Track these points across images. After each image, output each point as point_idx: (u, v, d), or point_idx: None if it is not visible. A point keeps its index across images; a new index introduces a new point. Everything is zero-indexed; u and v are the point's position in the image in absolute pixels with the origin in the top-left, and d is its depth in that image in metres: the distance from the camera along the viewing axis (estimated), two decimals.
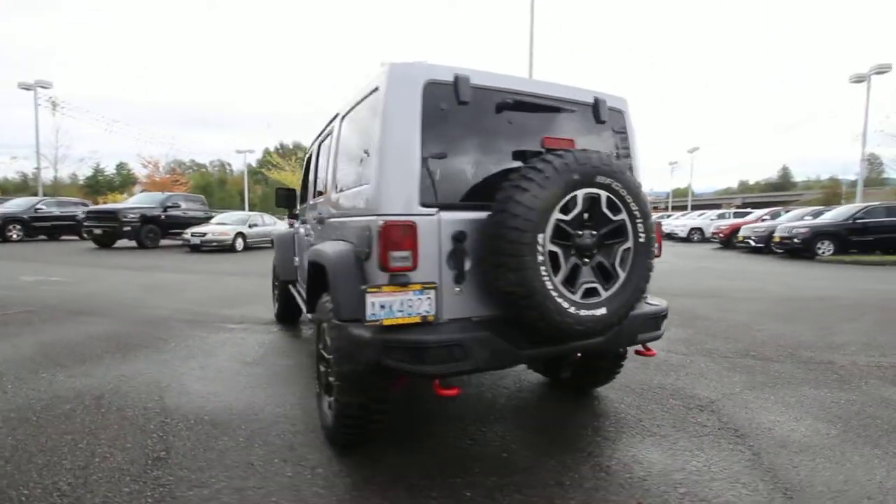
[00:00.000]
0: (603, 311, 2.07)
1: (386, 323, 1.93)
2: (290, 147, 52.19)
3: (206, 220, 16.83)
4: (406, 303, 1.96)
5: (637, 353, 2.57)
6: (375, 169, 2.09)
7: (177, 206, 16.74)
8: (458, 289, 2.08)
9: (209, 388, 3.21)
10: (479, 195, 2.15)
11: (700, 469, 2.23)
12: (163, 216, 15.87)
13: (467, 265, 2.09)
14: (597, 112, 2.52)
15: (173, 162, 43.64)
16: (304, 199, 4.44)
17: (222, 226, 15.76)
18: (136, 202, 16.75)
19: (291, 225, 4.50)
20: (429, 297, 1.99)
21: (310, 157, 4.27)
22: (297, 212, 4.41)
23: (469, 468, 2.22)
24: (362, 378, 2.16)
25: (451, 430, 2.64)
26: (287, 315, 5.16)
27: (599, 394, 3.17)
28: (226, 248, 15.03)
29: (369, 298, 1.91)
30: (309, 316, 3.13)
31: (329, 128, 3.26)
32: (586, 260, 2.08)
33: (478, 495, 1.98)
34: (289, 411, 2.87)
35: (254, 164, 52.25)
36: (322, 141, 3.50)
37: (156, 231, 15.67)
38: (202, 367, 3.68)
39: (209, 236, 14.79)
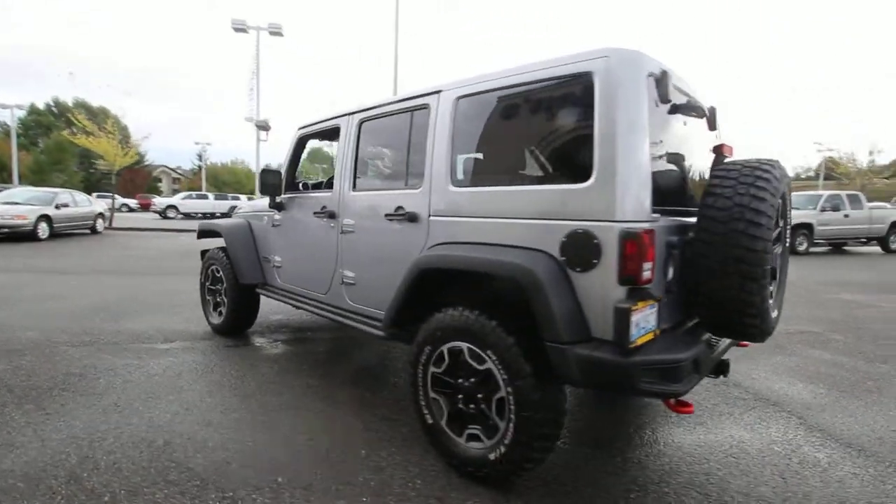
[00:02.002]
0: (776, 311, 2.17)
1: (639, 342, 1.70)
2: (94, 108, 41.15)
3: None
4: (646, 318, 1.75)
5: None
6: (602, 167, 1.78)
7: None
8: (665, 299, 1.94)
9: (251, 453, 2.37)
10: (678, 199, 2.02)
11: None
12: None
13: (671, 273, 1.97)
14: (711, 120, 2.59)
15: None
16: (290, 186, 3.57)
17: (14, 206, 11.80)
18: None
19: (279, 209, 3.52)
20: (655, 310, 1.81)
21: (301, 142, 3.44)
22: (280, 200, 3.52)
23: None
24: (560, 403, 1.96)
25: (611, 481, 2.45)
26: (237, 325, 4.14)
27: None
28: (23, 235, 11.34)
29: (634, 317, 1.64)
30: (374, 332, 2.54)
31: (388, 109, 2.66)
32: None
33: None
34: (398, 457, 2.30)
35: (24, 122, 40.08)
36: (368, 123, 2.84)
37: None
38: (186, 409, 2.70)
39: None
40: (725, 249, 1.85)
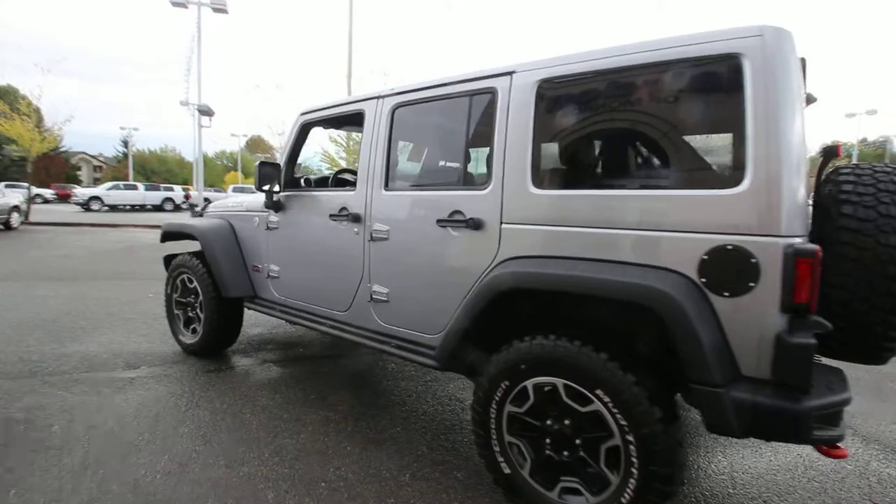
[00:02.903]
0: None
1: None
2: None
3: None
4: None
5: None
6: (759, 168, 1.46)
7: None
8: None
9: None
10: None
11: None
12: None
13: None
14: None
15: None
16: (294, 183, 3.01)
17: None
18: None
19: (277, 208, 2.94)
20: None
21: (304, 130, 2.89)
22: (279, 199, 2.95)
23: None
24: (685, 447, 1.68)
25: None
26: (216, 345, 3.51)
27: None
28: None
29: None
30: (437, 356, 2.11)
31: (435, 93, 2.21)
32: None
33: None
34: None
35: None
36: (406, 109, 2.36)
37: None
38: (180, 464, 2.13)
39: None
40: (878, 267, 1.60)
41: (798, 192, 1.48)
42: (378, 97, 2.47)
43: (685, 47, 1.60)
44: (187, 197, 27.10)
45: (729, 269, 1.49)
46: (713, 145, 1.65)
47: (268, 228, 3.08)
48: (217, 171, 55.27)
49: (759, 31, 1.50)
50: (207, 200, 4.14)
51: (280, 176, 2.91)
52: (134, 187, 26.19)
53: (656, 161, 1.77)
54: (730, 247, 1.49)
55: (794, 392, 1.43)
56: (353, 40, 13.77)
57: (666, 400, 1.64)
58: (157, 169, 53.18)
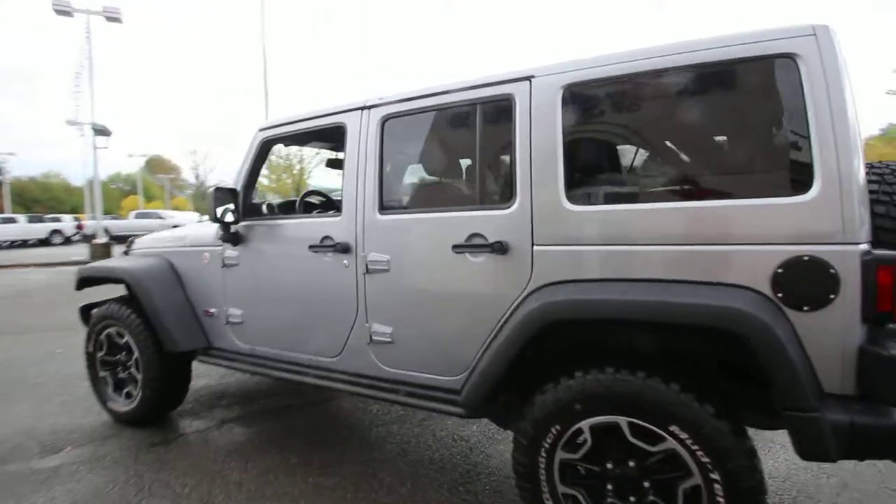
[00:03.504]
0: None
1: None
2: None
3: None
4: None
5: None
6: (828, 173, 1.36)
7: None
8: None
9: None
10: None
11: None
12: None
13: None
14: None
15: None
16: (253, 210, 2.56)
17: None
18: None
19: (236, 241, 2.47)
20: None
21: (264, 148, 2.47)
22: (237, 231, 2.49)
23: None
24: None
25: None
26: (160, 409, 2.93)
27: None
28: None
29: None
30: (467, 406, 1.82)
31: (434, 102, 1.94)
32: None
33: None
34: None
35: None
36: (398, 120, 2.06)
37: None
38: None
39: None
40: None
41: (866, 195, 1.42)
42: (363, 108, 2.14)
43: (732, 48, 1.49)
44: (80, 227, 24.12)
45: (807, 281, 1.38)
46: (767, 150, 1.56)
47: (224, 265, 2.60)
48: (113, 196, 49.93)
49: (812, 29, 1.42)
50: (131, 238, 3.36)
51: (238, 203, 2.46)
52: (12, 220, 22.77)
53: (709, 169, 1.65)
54: (806, 258, 1.38)
55: (883, 406, 1.34)
56: (266, 62, 12.91)
57: (743, 430, 1.50)
58: (41, 197, 46.89)
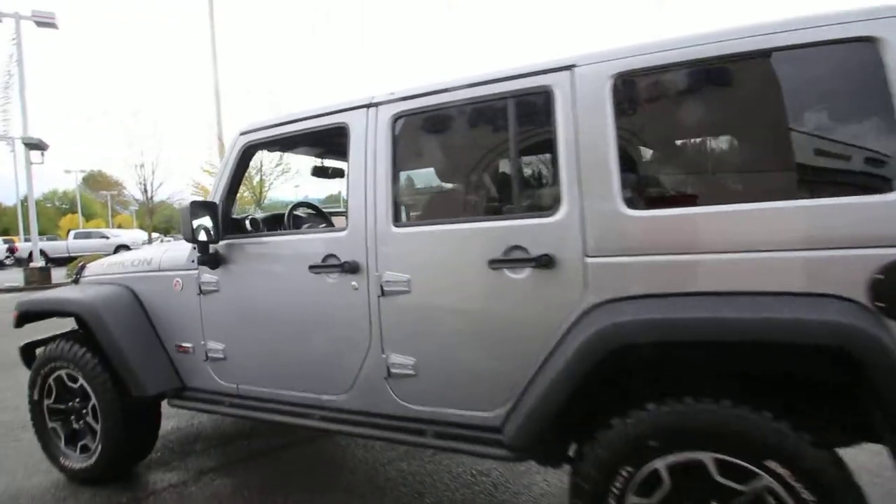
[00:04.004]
0: None
1: None
2: None
3: None
4: None
5: None
6: None
7: None
8: None
9: None
10: None
11: None
12: None
13: None
14: None
15: None
16: (234, 227, 2.21)
17: None
18: None
19: (216, 264, 2.11)
20: None
21: (247, 156, 2.13)
22: (216, 251, 2.13)
23: None
24: None
25: None
26: (123, 463, 2.49)
27: None
28: None
29: None
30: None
31: (456, 97, 1.69)
32: None
33: None
34: None
35: None
36: (413, 119, 1.79)
37: None
38: None
39: None
40: None
41: None
42: (369, 105, 1.86)
43: (805, 31, 1.33)
44: (12, 250, 22.19)
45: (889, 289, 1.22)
46: (853, 141, 1.41)
47: (201, 292, 2.22)
48: (49, 215, 46.49)
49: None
50: (82, 263, 2.84)
51: (217, 218, 2.11)
52: None
53: (794, 164, 1.48)
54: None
55: None
56: (219, 89, 12.09)
57: (840, 458, 1.33)
58: None
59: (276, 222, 2.53)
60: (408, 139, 1.83)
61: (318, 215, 2.65)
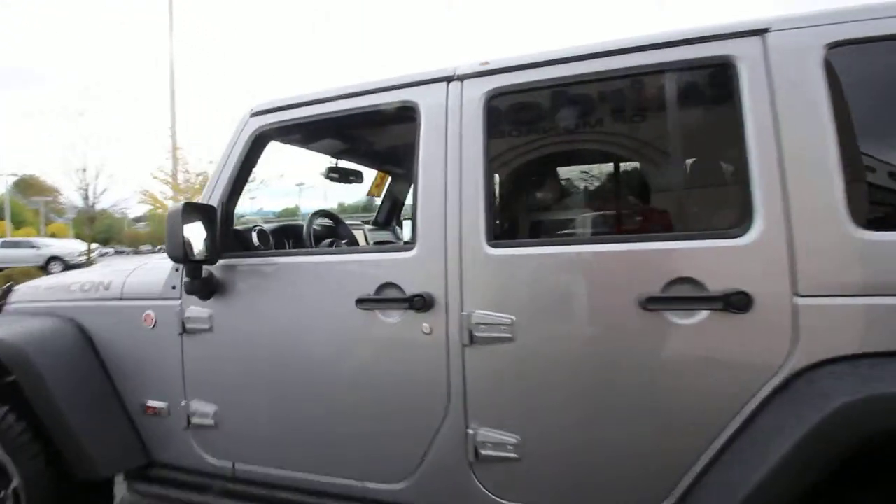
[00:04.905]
0: None
1: None
2: None
3: None
4: None
5: None
6: None
7: None
8: None
9: None
10: None
11: None
12: None
13: None
14: None
15: None
16: (237, 242, 1.61)
17: None
18: None
19: (210, 292, 1.50)
20: None
21: (259, 144, 1.55)
22: (212, 272, 1.53)
23: None
24: None
25: None
26: None
27: None
28: None
29: None
30: None
31: (579, 70, 1.22)
32: None
33: None
34: None
35: None
36: (516, 97, 1.29)
37: None
38: None
39: None
40: None
41: None
42: (450, 78, 1.34)
43: None
44: None
45: None
46: None
47: (185, 331, 1.59)
48: None
49: None
50: (7, 286, 2.00)
51: (215, 229, 1.51)
52: None
53: None
54: None
55: None
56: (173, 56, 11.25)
57: None
58: None
59: (288, 236, 1.93)
60: (509, 125, 1.32)
61: (337, 229, 2.08)
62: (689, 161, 1.19)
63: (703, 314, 1.10)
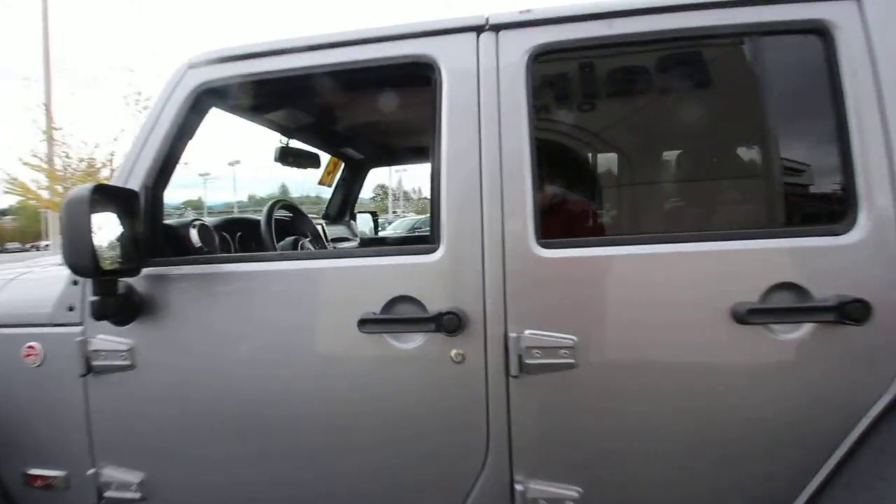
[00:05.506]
0: None
1: None
2: None
3: None
4: None
5: None
6: None
7: None
8: None
9: None
10: None
11: None
12: None
13: None
14: None
15: None
16: (172, 242, 1.16)
17: None
18: None
19: (129, 316, 1.03)
20: None
21: (200, 106, 1.12)
22: (132, 286, 1.08)
23: None
24: None
25: None
26: None
27: None
28: None
29: None
30: None
31: (638, 28, 0.98)
32: None
33: None
34: None
35: None
36: (564, 63, 1.00)
37: None
38: None
39: None
40: None
41: None
42: (481, 27, 1.03)
43: None
44: None
45: None
46: None
47: (90, 371, 1.12)
48: None
49: None
50: None
51: (137, 221, 1.06)
52: None
53: None
54: None
55: None
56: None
57: None
58: None
59: (238, 233, 1.48)
60: (561, 92, 1.04)
61: (299, 223, 1.66)
62: (778, 141, 1.01)
63: (807, 327, 0.91)
